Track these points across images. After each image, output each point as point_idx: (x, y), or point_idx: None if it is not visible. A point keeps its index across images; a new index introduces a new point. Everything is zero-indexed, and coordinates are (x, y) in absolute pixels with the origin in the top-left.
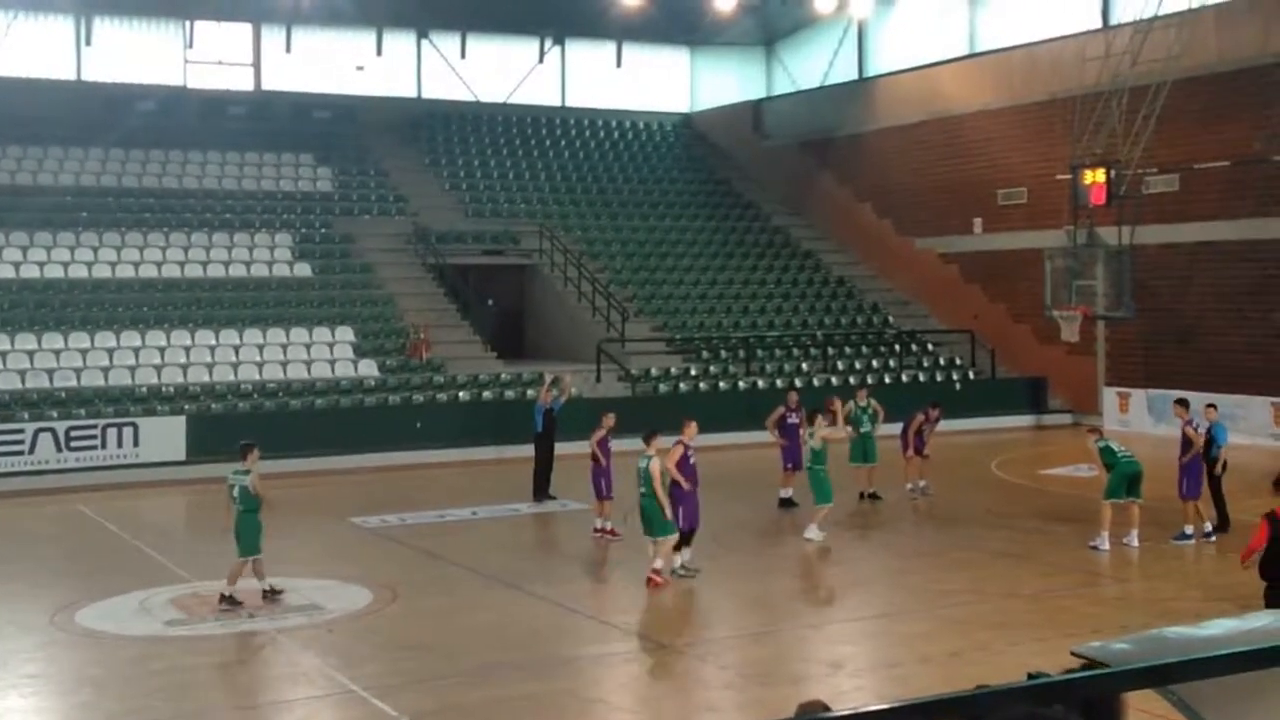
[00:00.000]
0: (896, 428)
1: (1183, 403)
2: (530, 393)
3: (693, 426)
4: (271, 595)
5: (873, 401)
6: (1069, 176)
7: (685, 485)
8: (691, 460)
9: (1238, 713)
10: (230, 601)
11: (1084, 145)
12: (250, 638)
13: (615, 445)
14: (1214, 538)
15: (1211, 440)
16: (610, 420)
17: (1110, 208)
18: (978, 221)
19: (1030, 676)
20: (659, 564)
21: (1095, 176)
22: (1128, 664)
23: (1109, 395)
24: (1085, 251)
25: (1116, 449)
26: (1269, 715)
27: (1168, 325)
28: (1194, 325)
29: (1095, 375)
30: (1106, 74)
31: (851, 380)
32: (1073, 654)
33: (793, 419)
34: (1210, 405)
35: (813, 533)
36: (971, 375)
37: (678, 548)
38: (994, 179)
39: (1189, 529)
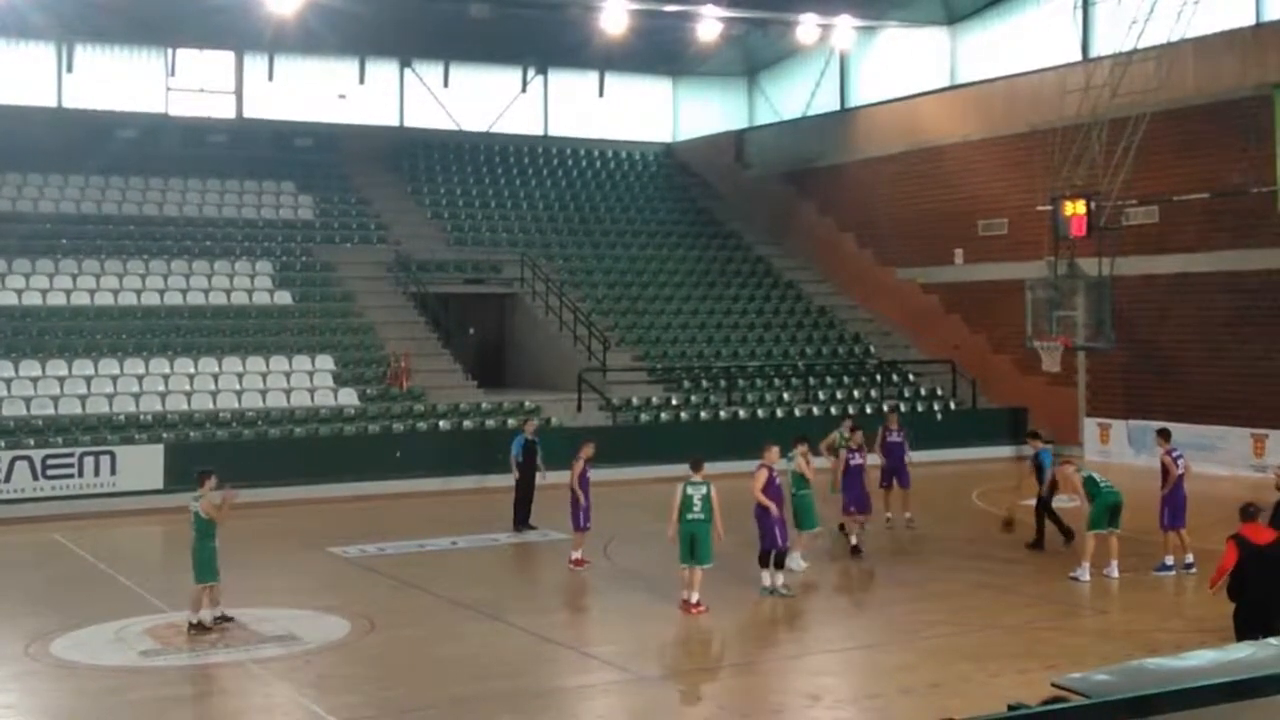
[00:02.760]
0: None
1: (1164, 434)
2: (511, 422)
3: (774, 450)
4: (222, 622)
5: (858, 433)
6: (1049, 208)
7: (774, 510)
8: (777, 482)
9: None
10: (200, 628)
11: (1064, 177)
12: (226, 668)
13: (594, 475)
14: (1194, 569)
15: (1040, 465)
16: (589, 450)
17: (1090, 239)
18: (959, 252)
19: (1011, 708)
20: (696, 596)
21: (1075, 208)
22: (1108, 695)
23: (1090, 426)
24: (1066, 282)
25: (1099, 479)
26: None
27: (1148, 356)
28: (1174, 356)
29: (1076, 406)
30: (1086, 106)
31: (833, 410)
32: (1053, 686)
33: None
34: (1033, 433)
35: (795, 562)
36: (952, 405)
37: (767, 567)
38: (975, 210)
39: (1169, 560)
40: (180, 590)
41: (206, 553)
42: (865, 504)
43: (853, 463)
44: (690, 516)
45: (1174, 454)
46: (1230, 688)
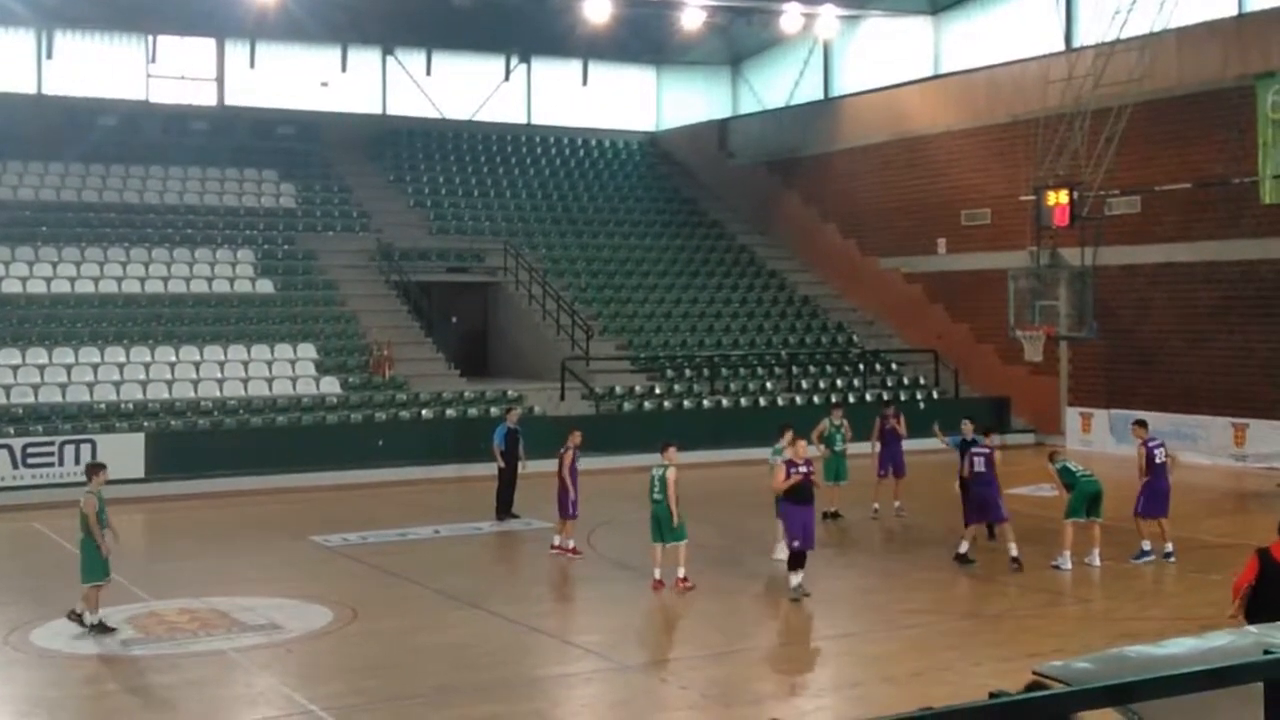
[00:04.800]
0: (864, 446)
1: (1141, 424)
2: (494, 411)
3: (802, 445)
4: (99, 630)
5: (845, 421)
6: (1032, 198)
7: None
8: (799, 472)
9: None
10: (102, 629)
11: (1047, 167)
12: (208, 657)
13: (581, 463)
14: (1173, 558)
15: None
16: (577, 438)
17: (1073, 229)
18: (941, 242)
19: (992, 696)
20: (682, 571)
21: (1058, 198)
22: (1089, 683)
23: (1071, 415)
24: (1048, 272)
25: (1075, 469)
26: None
27: (1129, 346)
28: (1155, 346)
29: (1058, 395)
30: (1069, 96)
31: (816, 400)
32: (1035, 673)
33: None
34: (967, 418)
35: (781, 552)
36: (935, 395)
37: (797, 569)
38: (958, 200)
39: (1148, 547)
40: (161, 579)
41: (93, 550)
42: (989, 510)
43: (977, 469)
44: (654, 498)
45: (1152, 444)
46: (1210, 675)
